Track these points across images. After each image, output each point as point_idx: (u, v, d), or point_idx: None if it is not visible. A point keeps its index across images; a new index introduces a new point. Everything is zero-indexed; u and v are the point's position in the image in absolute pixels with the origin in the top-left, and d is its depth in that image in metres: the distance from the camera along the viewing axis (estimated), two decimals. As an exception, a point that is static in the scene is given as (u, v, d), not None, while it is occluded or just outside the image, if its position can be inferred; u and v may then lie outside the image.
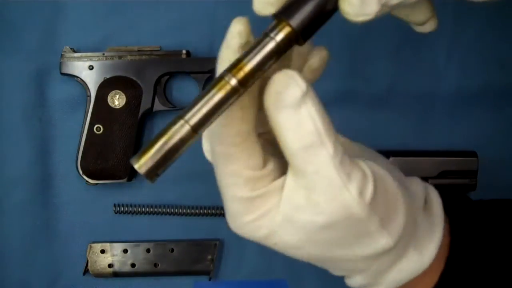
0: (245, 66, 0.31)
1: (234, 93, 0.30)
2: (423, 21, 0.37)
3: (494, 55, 0.64)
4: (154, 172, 0.33)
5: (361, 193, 0.33)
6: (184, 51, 0.62)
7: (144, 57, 0.62)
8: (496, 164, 0.63)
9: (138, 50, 0.62)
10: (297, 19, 0.31)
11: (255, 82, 0.31)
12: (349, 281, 0.39)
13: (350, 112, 0.64)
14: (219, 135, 0.34)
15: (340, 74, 0.64)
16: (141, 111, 0.62)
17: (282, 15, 0.32)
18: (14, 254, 0.64)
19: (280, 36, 0.31)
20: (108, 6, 0.64)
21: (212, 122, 0.31)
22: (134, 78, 0.62)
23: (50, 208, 0.64)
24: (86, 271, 0.63)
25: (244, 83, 0.30)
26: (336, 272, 0.39)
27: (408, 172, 0.61)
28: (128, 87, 0.62)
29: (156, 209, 0.63)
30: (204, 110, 0.30)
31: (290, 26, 0.31)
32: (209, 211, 0.63)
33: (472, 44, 0.64)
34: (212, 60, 0.61)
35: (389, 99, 0.64)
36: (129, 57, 0.62)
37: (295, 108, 0.32)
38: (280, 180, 0.35)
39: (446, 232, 0.39)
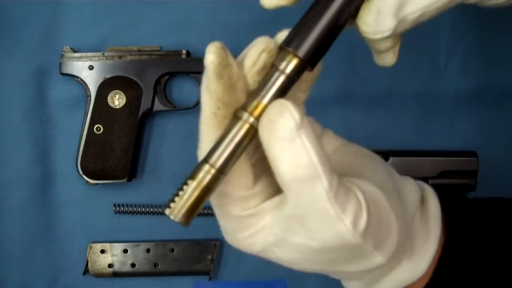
0: (261, 103, 0.31)
1: (253, 130, 0.31)
2: (384, 50, 0.38)
3: (494, 55, 0.64)
4: (189, 217, 0.35)
5: (355, 224, 0.32)
6: (184, 51, 0.62)
7: (144, 57, 0.62)
8: (496, 164, 0.63)
9: (138, 50, 0.62)
10: (304, 49, 0.32)
11: None
12: (345, 283, 0.40)
13: (350, 112, 0.64)
14: None
15: (340, 74, 0.64)
16: (141, 111, 0.62)
17: (288, 47, 0.32)
18: (14, 254, 0.64)
19: (289, 69, 0.32)
20: (108, 6, 0.64)
21: (235, 161, 0.32)
22: (134, 78, 0.62)
23: (50, 208, 0.64)
24: (86, 271, 0.63)
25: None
26: (333, 276, 0.39)
27: (408, 172, 0.62)
28: (128, 87, 0.62)
29: (156, 209, 0.63)
30: (228, 151, 0.31)
31: (298, 57, 0.31)
32: (209, 211, 0.63)
33: (472, 44, 0.64)
34: (212, 60, 0.61)
35: (389, 99, 0.64)
36: (129, 57, 0.62)
37: (289, 140, 0.31)
38: (272, 200, 0.35)
39: (442, 232, 0.39)
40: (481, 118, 0.64)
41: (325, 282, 0.63)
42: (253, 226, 0.36)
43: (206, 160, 0.32)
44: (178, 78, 0.65)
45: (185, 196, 0.34)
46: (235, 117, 0.31)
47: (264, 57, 0.32)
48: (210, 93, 0.31)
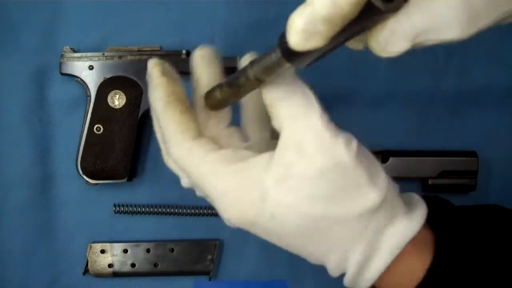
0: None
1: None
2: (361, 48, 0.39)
3: (494, 55, 0.64)
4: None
5: (348, 145, 0.37)
6: (184, 51, 0.62)
7: (144, 57, 0.62)
8: (496, 164, 0.63)
9: (138, 50, 0.62)
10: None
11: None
12: (348, 269, 0.40)
13: (350, 112, 0.64)
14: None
15: (340, 74, 0.64)
16: (141, 111, 0.62)
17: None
18: (14, 254, 0.64)
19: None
20: (108, 6, 0.64)
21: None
22: (134, 78, 0.62)
23: (50, 208, 0.64)
24: (86, 271, 0.63)
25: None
26: (333, 261, 0.39)
27: (408, 172, 0.62)
28: (128, 87, 0.62)
29: (156, 209, 0.63)
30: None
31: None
32: (209, 211, 0.63)
33: (472, 44, 0.64)
34: (212, 60, 0.61)
35: (389, 99, 0.64)
36: (129, 57, 0.62)
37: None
38: (266, 154, 0.39)
39: (431, 236, 0.40)
40: (481, 118, 0.64)
41: (325, 283, 0.63)
42: (249, 176, 0.38)
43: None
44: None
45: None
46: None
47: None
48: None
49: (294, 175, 0.37)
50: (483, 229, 0.42)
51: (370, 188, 0.37)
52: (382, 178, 0.38)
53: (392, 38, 0.32)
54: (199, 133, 0.42)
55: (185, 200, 0.64)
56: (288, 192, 0.37)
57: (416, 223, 0.39)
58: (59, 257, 0.64)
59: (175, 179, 0.64)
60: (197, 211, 0.63)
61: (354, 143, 0.37)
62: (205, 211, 0.63)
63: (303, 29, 0.29)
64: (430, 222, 0.41)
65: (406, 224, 0.39)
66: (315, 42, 0.29)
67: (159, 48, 0.62)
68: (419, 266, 0.40)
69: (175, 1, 0.64)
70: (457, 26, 0.32)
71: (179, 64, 0.62)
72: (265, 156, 0.39)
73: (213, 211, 0.63)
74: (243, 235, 0.64)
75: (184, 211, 0.63)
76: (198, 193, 0.45)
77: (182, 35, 0.64)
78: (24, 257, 0.64)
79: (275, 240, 0.41)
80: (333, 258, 0.40)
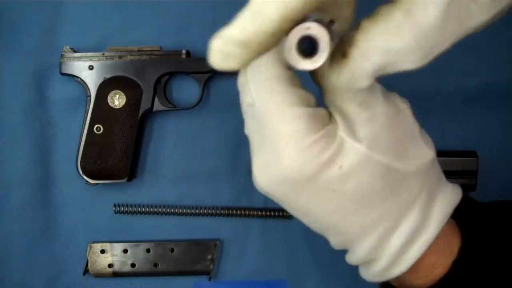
0: None
1: None
2: None
3: (494, 55, 0.64)
4: None
5: (400, 97, 0.40)
6: (184, 51, 0.62)
7: (144, 57, 0.62)
8: (496, 164, 0.63)
9: (138, 50, 0.62)
10: None
11: None
12: (389, 248, 0.39)
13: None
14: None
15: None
16: (141, 111, 0.62)
17: None
18: (14, 254, 0.64)
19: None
20: (108, 6, 0.64)
21: None
22: (134, 78, 0.62)
23: (50, 208, 0.64)
24: (86, 271, 0.63)
25: None
26: (372, 239, 0.38)
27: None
28: (128, 87, 0.62)
29: (156, 209, 0.63)
30: None
31: None
32: (209, 211, 0.63)
33: (472, 44, 0.64)
34: (212, 60, 0.61)
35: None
36: (129, 57, 0.62)
37: None
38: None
39: (458, 236, 0.40)
40: (481, 118, 0.64)
41: (325, 283, 0.63)
42: (323, 120, 0.38)
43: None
44: (178, 78, 0.65)
45: None
46: None
47: None
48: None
49: (363, 123, 0.36)
50: (502, 217, 0.43)
51: (423, 143, 0.39)
52: (427, 137, 0.40)
53: (353, 78, 0.34)
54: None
55: (185, 200, 0.64)
56: (362, 139, 0.36)
57: (459, 191, 0.41)
58: (59, 257, 0.64)
59: (175, 179, 0.65)
60: (197, 211, 0.63)
61: (398, 96, 0.40)
62: (205, 211, 0.63)
63: (219, 49, 0.31)
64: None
65: (452, 190, 0.40)
66: (231, 64, 0.31)
67: (159, 48, 0.62)
68: (455, 243, 0.39)
69: (175, 1, 0.64)
70: (413, 58, 0.32)
71: (179, 64, 0.62)
72: (324, 111, 0.38)
73: (213, 211, 0.63)
74: (243, 235, 0.65)
75: (184, 211, 0.63)
76: (246, 130, 0.40)
77: (182, 35, 0.64)
78: (24, 257, 0.64)
79: (323, 208, 0.37)
80: (376, 233, 0.38)
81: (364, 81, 0.34)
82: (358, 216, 0.37)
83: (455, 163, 0.61)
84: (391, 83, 0.64)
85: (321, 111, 0.38)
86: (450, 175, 0.61)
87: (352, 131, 0.37)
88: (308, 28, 0.31)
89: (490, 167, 0.62)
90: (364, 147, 0.36)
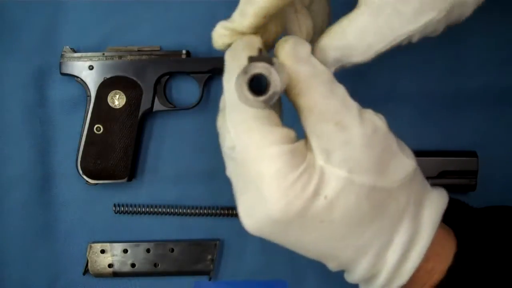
0: None
1: None
2: None
3: (494, 55, 0.64)
4: None
5: (375, 113, 0.40)
6: (184, 51, 0.62)
7: (144, 57, 0.62)
8: (496, 164, 0.63)
9: (138, 50, 0.62)
10: None
11: None
12: (387, 262, 0.39)
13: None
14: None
15: (340, 74, 0.63)
16: (141, 111, 0.62)
17: None
18: (14, 254, 0.64)
19: None
20: (108, 6, 0.64)
21: None
22: (134, 78, 0.62)
23: (50, 208, 0.64)
24: (86, 271, 0.63)
25: None
26: (370, 256, 0.38)
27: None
28: (128, 87, 0.62)
29: (156, 209, 0.63)
30: None
31: None
32: (209, 211, 0.63)
33: (472, 44, 0.64)
34: (212, 60, 0.61)
35: (389, 99, 0.64)
36: (129, 57, 0.62)
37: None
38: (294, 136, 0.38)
39: (451, 236, 0.40)
40: (481, 118, 0.64)
41: (326, 283, 0.63)
42: (302, 155, 0.37)
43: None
44: (178, 78, 0.65)
45: None
46: None
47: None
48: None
49: (341, 146, 0.36)
50: (497, 222, 0.42)
51: (403, 155, 0.39)
52: (408, 149, 0.40)
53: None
54: None
55: (185, 200, 0.64)
56: (341, 164, 0.36)
57: (445, 194, 0.40)
58: (59, 257, 0.64)
59: (175, 179, 0.65)
60: (197, 211, 0.63)
61: (373, 112, 0.40)
62: (205, 211, 0.63)
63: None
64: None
65: (438, 194, 0.40)
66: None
67: (159, 48, 0.62)
68: (449, 248, 0.40)
69: (175, 1, 0.64)
70: (356, 53, 0.41)
71: (179, 64, 0.62)
72: (302, 143, 0.38)
73: (213, 211, 0.63)
74: (243, 235, 0.64)
75: (184, 211, 0.63)
76: (227, 172, 0.40)
77: (182, 35, 0.64)
78: (24, 257, 0.64)
79: (314, 241, 0.38)
80: (371, 252, 0.38)
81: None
82: (350, 240, 0.38)
83: (455, 163, 0.61)
84: (392, 83, 0.64)
85: (300, 144, 0.38)
86: (450, 175, 0.61)
87: (330, 156, 0.36)
88: (258, 66, 0.32)
89: (490, 167, 0.62)
90: (345, 172, 0.36)
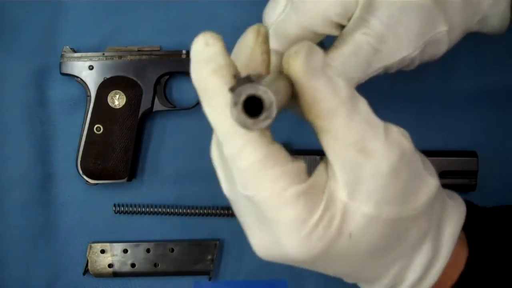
0: None
1: None
2: None
3: (494, 55, 0.64)
4: None
5: (400, 131, 0.36)
6: (184, 51, 0.62)
7: (144, 57, 0.62)
8: (496, 164, 0.63)
9: (138, 50, 0.62)
10: None
11: None
12: (407, 278, 0.38)
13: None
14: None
15: (340, 74, 0.64)
16: (141, 111, 0.62)
17: None
18: (14, 254, 0.64)
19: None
20: (108, 6, 0.64)
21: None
22: (134, 78, 0.62)
23: (50, 208, 0.64)
24: (86, 271, 0.63)
25: None
26: (391, 275, 0.38)
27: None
28: (128, 87, 0.62)
29: (156, 209, 0.63)
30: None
31: None
32: (209, 211, 0.63)
33: (472, 44, 0.64)
34: (212, 60, 0.61)
35: (389, 99, 0.64)
36: (129, 57, 0.62)
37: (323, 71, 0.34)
38: (320, 166, 0.36)
39: (463, 240, 0.40)
40: (481, 118, 0.64)
41: (326, 283, 0.63)
42: (319, 201, 0.33)
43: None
44: (178, 78, 0.65)
45: None
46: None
47: (263, 29, 0.35)
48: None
49: (366, 178, 0.33)
50: (507, 223, 0.42)
51: (427, 174, 0.36)
52: (429, 162, 0.38)
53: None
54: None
55: (185, 200, 0.64)
56: (367, 199, 0.33)
57: (462, 204, 0.40)
58: (59, 257, 0.64)
59: (175, 179, 0.65)
60: (197, 211, 0.63)
61: (401, 128, 0.36)
62: (205, 211, 0.63)
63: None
64: None
65: (457, 207, 0.39)
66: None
67: (159, 48, 0.62)
68: (462, 254, 0.39)
69: (175, 1, 0.64)
70: (358, 73, 0.43)
71: (179, 64, 0.62)
72: (321, 169, 0.35)
73: (213, 211, 0.63)
74: (243, 235, 0.64)
75: (184, 211, 0.63)
76: (236, 210, 0.38)
77: (182, 35, 0.64)
78: (24, 257, 0.64)
79: (337, 269, 0.37)
80: (392, 272, 0.38)
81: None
82: (372, 265, 0.37)
83: (455, 163, 0.61)
84: (392, 84, 0.64)
85: (318, 175, 0.35)
86: (450, 175, 0.61)
87: (355, 190, 0.34)
88: (253, 88, 0.28)
89: (490, 167, 0.62)
90: (370, 208, 0.34)
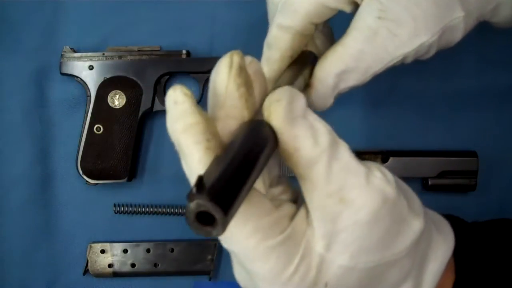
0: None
1: None
2: None
3: (494, 55, 0.64)
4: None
5: (385, 176, 0.33)
6: (184, 51, 0.62)
7: (144, 57, 0.62)
8: (496, 164, 0.63)
9: (138, 50, 0.62)
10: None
11: None
12: None
13: (350, 112, 0.64)
14: None
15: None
16: (141, 111, 0.62)
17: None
18: (14, 254, 0.64)
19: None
20: (108, 6, 0.64)
21: None
22: (134, 78, 0.62)
23: (50, 208, 0.64)
24: (86, 271, 0.63)
25: None
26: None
27: (408, 172, 0.62)
28: (128, 87, 0.62)
29: (156, 209, 0.63)
30: None
31: None
32: (209, 211, 0.63)
33: (473, 44, 0.64)
34: (212, 60, 0.61)
35: (389, 99, 0.64)
36: (129, 57, 0.62)
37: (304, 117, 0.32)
38: (294, 210, 0.34)
39: (451, 264, 0.39)
40: (481, 118, 0.64)
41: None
42: (296, 251, 0.33)
43: None
44: (178, 78, 0.65)
45: None
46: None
47: (236, 59, 0.33)
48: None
49: (344, 228, 0.32)
50: (498, 242, 0.41)
51: (412, 217, 0.34)
52: (416, 201, 0.35)
53: (319, 100, 0.43)
54: None
55: (185, 200, 0.64)
56: (343, 250, 0.32)
57: (451, 236, 0.37)
58: (59, 257, 0.64)
59: (175, 179, 0.65)
60: (197, 211, 0.63)
61: (386, 171, 0.34)
62: (205, 211, 0.63)
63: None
64: None
65: (443, 245, 0.37)
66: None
67: (159, 48, 0.62)
68: (448, 278, 0.38)
69: (175, 1, 0.64)
70: (354, 77, 0.42)
71: (179, 64, 0.62)
72: (301, 215, 0.34)
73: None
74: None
75: (184, 211, 0.63)
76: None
77: (182, 35, 0.64)
78: (24, 257, 0.64)
79: None
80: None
81: (329, 99, 0.42)
82: None
83: (455, 163, 0.61)
84: (392, 84, 0.64)
85: (296, 223, 0.33)
86: (450, 175, 0.61)
87: (332, 241, 0.33)
88: (201, 205, 0.29)
89: (490, 167, 0.62)
90: (346, 260, 0.33)
